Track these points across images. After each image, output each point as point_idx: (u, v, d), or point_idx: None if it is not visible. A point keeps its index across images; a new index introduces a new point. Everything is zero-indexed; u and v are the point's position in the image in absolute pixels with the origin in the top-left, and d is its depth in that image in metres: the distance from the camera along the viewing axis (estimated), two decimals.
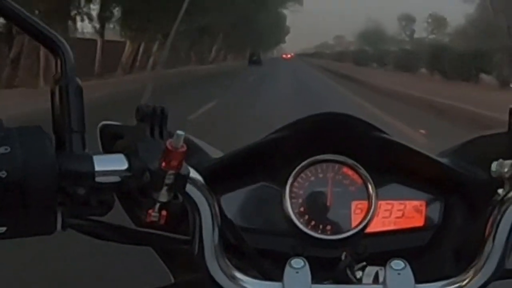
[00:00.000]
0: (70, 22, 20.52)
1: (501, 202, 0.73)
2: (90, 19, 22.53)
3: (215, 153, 0.91)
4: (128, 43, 26.76)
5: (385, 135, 0.89)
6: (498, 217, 0.73)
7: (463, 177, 0.88)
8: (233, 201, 0.89)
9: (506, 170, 0.73)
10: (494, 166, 0.74)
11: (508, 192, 0.73)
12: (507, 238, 0.73)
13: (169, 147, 0.62)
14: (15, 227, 0.61)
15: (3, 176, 0.57)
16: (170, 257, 0.89)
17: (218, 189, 0.86)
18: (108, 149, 0.80)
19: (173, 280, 0.90)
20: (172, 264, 0.90)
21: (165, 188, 0.63)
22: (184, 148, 0.63)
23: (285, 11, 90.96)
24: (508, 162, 0.73)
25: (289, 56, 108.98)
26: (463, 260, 0.82)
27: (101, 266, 3.40)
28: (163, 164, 0.62)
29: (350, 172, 0.89)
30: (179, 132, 0.62)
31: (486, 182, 0.80)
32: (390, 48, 58.89)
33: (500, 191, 0.74)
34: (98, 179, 0.63)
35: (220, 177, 0.86)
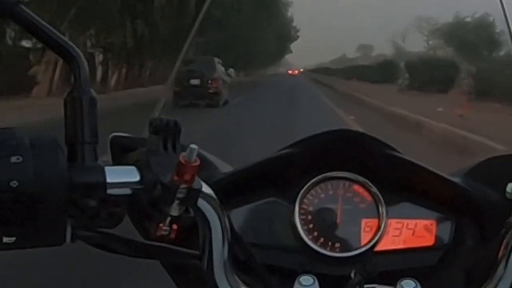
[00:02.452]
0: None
1: None
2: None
3: (226, 168, 0.91)
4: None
5: (397, 153, 0.88)
6: None
7: (476, 198, 0.87)
8: (242, 216, 0.88)
9: None
10: (509, 187, 0.73)
11: None
12: None
13: (182, 160, 0.62)
14: (24, 238, 0.60)
15: (14, 186, 0.57)
16: (178, 271, 0.89)
17: (228, 204, 0.85)
18: (118, 161, 0.80)
19: None
20: (180, 279, 0.89)
21: (176, 202, 0.63)
22: (197, 162, 0.62)
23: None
24: None
25: (296, 72, 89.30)
26: (474, 281, 0.81)
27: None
28: (176, 177, 0.62)
29: (360, 190, 0.88)
30: (193, 146, 0.62)
31: (499, 204, 0.79)
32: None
33: None
34: (110, 191, 0.62)
35: (230, 192, 0.86)
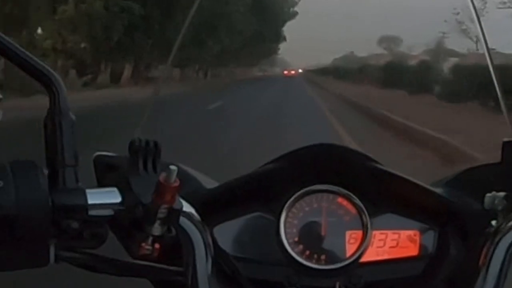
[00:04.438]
0: None
1: (494, 234, 0.73)
2: None
3: (210, 183, 0.91)
4: None
5: (379, 166, 0.89)
6: (492, 249, 0.73)
7: (457, 208, 0.88)
8: (227, 231, 0.89)
9: (498, 202, 0.73)
10: (487, 198, 0.74)
11: (501, 225, 0.73)
12: (500, 269, 0.73)
13: (162, 181, 0.62)
14: (8, 260, 0.61)
15: None
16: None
17: (213, 219, 0.86)
18: (102, 180, 0.81)
19: None
20: None
21: (158, 222, 0.64)
22: (177, 183, 0.63)
23: None
24: (500, 194, 0.73)
25: (292, 72, 76.74)
26: None
27: None
28: (156, 198, 0.63)
29: (344, 202, 0.89)
30: (172, 167, 0.62)
31: (479, 213, 0.80)
32: None
33: (493, 222, 0.74)
34: (91, 212, 0.63)
35: (215, 207, 0.86)
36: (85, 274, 0.74)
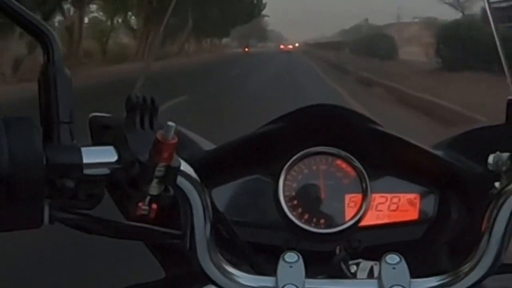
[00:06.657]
0: None
1: (497, 196, 0.72)
2: None
3: (207, 145, 0.90)
4: None
5: (379, 128, 0.88)
6: (495, 211, 0.71)
7: (459, 170, 0.87)
8: (225, 194, 0.88)
9: (502, 163, 0.71)
10: (491, 158, 0.72)
11: (505, 186, 0.71)
12: (504, 232, 0.71)
13: (160, 138, 0.60)
14: (1, 221, 0.60)
15: None
16: (162, 251, 0.88)
17: (210, 182, 0.85)
18: (98, 141, 0.79)
19: (164, 275, 0.89)
20: (163, 258, 0.89)
21: (155, 180, 0.62)
22: (175, 140, 0.61)
23: None
24: (505, 154, 0.72)
25: (290, 47, 71.02)
26: (459, 254, 0.81)
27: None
28: (154, 156, 0.61)
29: (343, 165, 0.88)
30: (170, 123, 0.61)
31: (482, 175, 0.79)
32: None
33: (497, 184, 0.73)
34: (87, 171, 0.61)
35: (212, 170, 0.85)
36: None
